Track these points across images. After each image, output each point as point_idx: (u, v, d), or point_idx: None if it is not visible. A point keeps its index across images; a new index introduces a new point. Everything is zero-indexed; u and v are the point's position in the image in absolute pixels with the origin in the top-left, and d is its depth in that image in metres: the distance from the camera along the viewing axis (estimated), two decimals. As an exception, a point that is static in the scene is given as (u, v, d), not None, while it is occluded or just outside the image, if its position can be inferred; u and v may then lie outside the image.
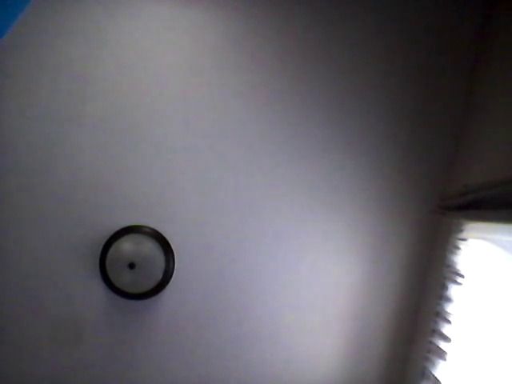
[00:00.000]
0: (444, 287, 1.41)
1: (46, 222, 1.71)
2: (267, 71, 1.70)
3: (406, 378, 1.70)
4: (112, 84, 1.69)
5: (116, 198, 1.71)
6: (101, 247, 1.69)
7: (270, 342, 1.76)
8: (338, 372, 1.76)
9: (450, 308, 1.37)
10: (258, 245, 1.73)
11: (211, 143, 1.71)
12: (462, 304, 1.31)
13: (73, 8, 1.67)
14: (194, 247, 1.73)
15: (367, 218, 1.71)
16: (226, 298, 1.74)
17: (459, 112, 1.66)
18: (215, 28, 1.69)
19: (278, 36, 1.69)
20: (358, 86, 1.69)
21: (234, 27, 1.69)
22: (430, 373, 1.38)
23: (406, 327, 1.72)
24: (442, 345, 1.34)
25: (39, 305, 1.73)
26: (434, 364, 1.37)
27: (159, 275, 1.67)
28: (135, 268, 1.63)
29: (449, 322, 1.34)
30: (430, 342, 1.41)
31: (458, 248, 1.38)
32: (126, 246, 1.64)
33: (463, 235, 1.36)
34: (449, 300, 1.38)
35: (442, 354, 1.33)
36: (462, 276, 1.33)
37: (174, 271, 1.73)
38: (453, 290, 1.37)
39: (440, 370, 1.34)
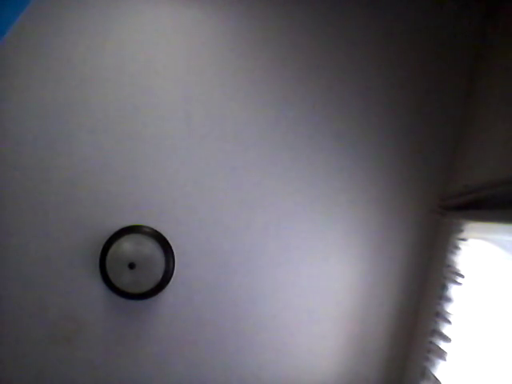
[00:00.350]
0: (444, 287, 1.41)
1: (46, 221, 1.71)
2: (267, 71, 1.69)
3: (405, 377, 1.70)
4: (112, 84, 1.69)
5: (116, 198, 1.71)
6: (101, 247, 1.69)
7: (270, 341, 1.76)
8: (338, 372, 1.76)
9: (450, 308, 1.37)
10: (258, 245, 1.73)
11: (211, 143, 1.71)
12: (462, 304, 1.31)
13: (73, 8, 1.66)
14: (194, 247, 1.73)
15: (367, 218, 1.71)
16: (225, 298, 1.74)
17: (459, 112, 1.66)
18: (216, 28, 1.69)
19: (278, 35, 1.68)
20: (357, 86, 1.69)
21: (234, 27, 1.69)
22: (430, 373, 1.38)
23: (406, 327, 1.72)
24: (442, 345, 1.34)
25: (39, 305, 1.73)
26: (433, 364, 1.37)
27: (159, 275, 1.67)
28: (135, 268, 1.63)
29: (449, 321, 1.34)
30: (430, 342, 1.41)
31: (458, 248, 1.38)
32: (126, 246, 1.64)
33: (463, 235, 1.36)
34: (449, 300, 1.38)
35: (442, 353, 1.33)
36: (462, 276, 1.33)
37: (174, 271, 1.73)
38: (453, 290, 1.37)
39: (440, 369, 1.34)
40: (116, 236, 1.68)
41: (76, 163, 1.70)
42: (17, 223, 1.71)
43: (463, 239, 1.36)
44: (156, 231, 1.71)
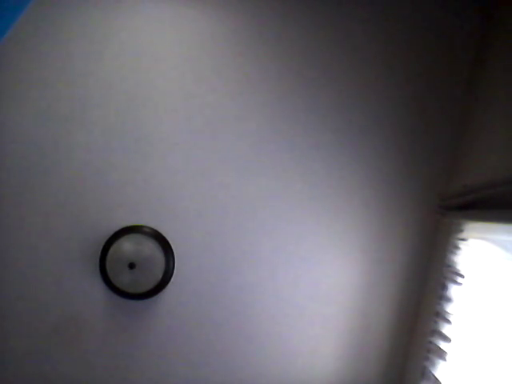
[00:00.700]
0: (444, 287, 1.41)
1: (46, 221, 1.71)
2: (267, 70, 1.70)
3: (405, 377, 1.70)
4: (112, 84, 1.69)
5: (116, 197, 1.71)
6: (101, 247, 1.69)
7: (270, 341, 1.76)
8: (338, 371, 1.76)
9: (450, 308, 1.37)
10: (258, 244, 1.73)
11: (212, 143, 1.71)
12: (462, 304, 1.31)
13: (73, 8, 1.67)
14: (194, 247, 1.73)
15: (367, 217, 1.71)
16: (225, 298, 1.74)
17: (459, 112, 1.66)
18: (216, 27, 1.69)
19: (278, 34, 1.68)
20: (357, 85, 1.69)
21: (234, 27, 1.69)
22: (430, 373, 1.38)
23: (406, 327, 1.72)
24: (442, 345, 1.34)
25: (39, 305, 1.73)
26: (433, 364, 1.37)
27: (159, 275, 1.67)
28: (135, 268, 1.63)
29: (449, 321, 1.34)
30: (430, 342, 1.41)
31: (458, 248, 1.38)
32: (126, 246, 1.64)
33: (463, 235, 1.37)
34: (449, 300, 1.38)
35: (442, 353, 1.33)
36: (462, 276, 1.33)
37: (174, 271, 1.73)
38: (453, 290, 1.38)
39: (440, 369, 1.34)
40: (116, 236, 1.68)
41: (76, 163, 1.70)
42: (17, 223, 1.71)
43: (463, 239, 1.36)
44: (156, 231, 1.71)
